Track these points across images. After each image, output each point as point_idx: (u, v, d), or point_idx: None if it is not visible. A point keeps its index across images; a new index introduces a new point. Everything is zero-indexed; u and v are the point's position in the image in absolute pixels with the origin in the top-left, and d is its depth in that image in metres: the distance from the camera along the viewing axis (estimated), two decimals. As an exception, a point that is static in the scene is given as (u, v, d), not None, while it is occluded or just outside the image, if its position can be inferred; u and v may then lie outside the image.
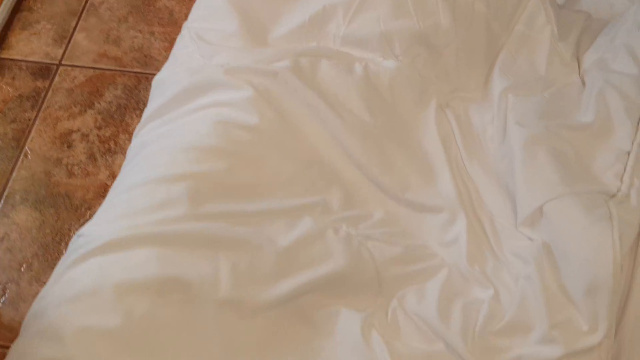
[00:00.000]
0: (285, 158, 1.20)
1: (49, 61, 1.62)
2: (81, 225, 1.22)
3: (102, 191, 1.42)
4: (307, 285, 1.08)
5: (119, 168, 1.32)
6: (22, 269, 1.33)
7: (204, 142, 1.17)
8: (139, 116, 1.54)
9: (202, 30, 1.37)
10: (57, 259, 1.33)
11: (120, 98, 1.56)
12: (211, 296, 1.03)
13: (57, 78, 1.58)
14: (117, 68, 1.60)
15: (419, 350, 1.06)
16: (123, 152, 1.45)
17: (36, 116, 1.52)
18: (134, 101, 1.55)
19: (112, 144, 1.49)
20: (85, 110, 1.53)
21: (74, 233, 1.24)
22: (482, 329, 1.07)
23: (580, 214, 1.12)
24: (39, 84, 1.57)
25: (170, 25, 1.68)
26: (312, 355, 1.06)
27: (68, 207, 1.40)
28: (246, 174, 1.17)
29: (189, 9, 1.46)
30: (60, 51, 1.63)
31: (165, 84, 1.31)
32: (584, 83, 1.38)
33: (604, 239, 1.08)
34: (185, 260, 1.05)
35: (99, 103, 1.54)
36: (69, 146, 1.48)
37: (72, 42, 1.65)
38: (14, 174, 1.44)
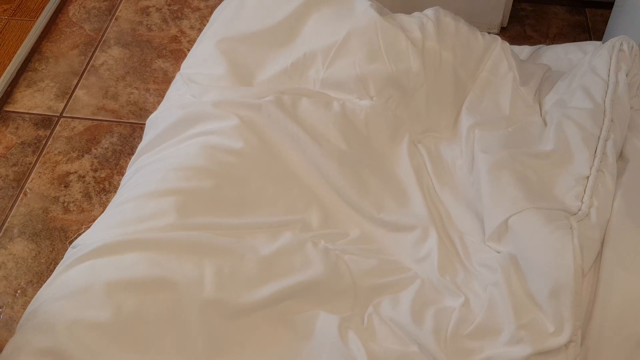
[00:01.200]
0: (268, 180, 1.29)
1: (50, 113, 1.74)
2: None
3: (96, 225, 1.50)
4: (287, 291, 1.14)
5: (113, 204, 1.41)
6: (17, 295, 1.39)
7: (192, 163, 1.26)
8: (133, 160, 1.63)
9: (194, 74, 1.49)
10: (51, 288, 1.38)
11: (115, 144, 1.67)
12: (196, 296, 1.09)
13: (57, 128, 1.70)
14: (114, 119, 1.72)
15: (394, 350, 1.11)
16: (117, 190, 1.54)
17: (36, 160, 1.62)
18: (128, 147, 1.66)
19: (106, 184, 1.59)
20: (82, 155, 1.64)
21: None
22: (453, 332, 1.12)
23: (541, 225, 1.19)
24: (41, 132, 1.69)
25: (164, 83, 1.81)
26: (291, 356, 1.10)
27: (63, 239, 1.48)
28: (231, 192, 1.25)
29: (181, 69, 1.59)
30: (62, 105, 1.76)
31: (157, 120, 1.42)
32: (545, 123, 1.49)
33: (564, 244, 1.14)
34: (172, 263, 1.11)
35: (96, 149, 1.65)
36: (66, 186, 1.57)
37: (73, 97, 1.78)
38: (13, 210, 1.53)
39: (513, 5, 2.11)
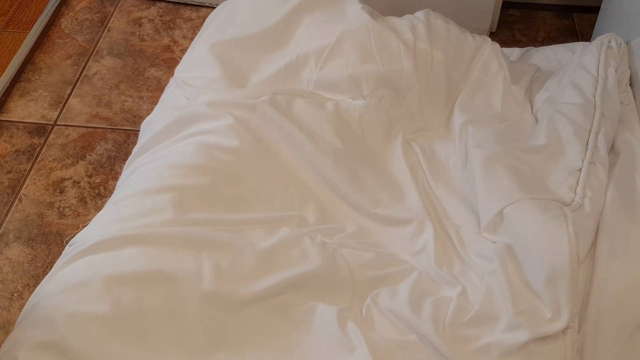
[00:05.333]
0: (264, 177, 1.30)
1: (44, 122, 1.75)
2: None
3: (92, 229, 1.50)
4: (285, 284, 1.14)
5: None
6: (13, 297, 1.39)
7: (188, 161, 1.27)
8: (128, 165, 1.64)
9: (187, 78, 1.50)
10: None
11: (110, 151, 1.67)
12: (195, 289, 1.09)
13: (51, 136, 1.70)
14: (108, 126, 1.73)
15: (393, 340, 1.11)
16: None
17: (31, 167, 1.63)
18: (123, 153, 1.67)
19: (101, 189, 1.59)
20: (77, 162, 1.65)
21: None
22: (451, 320, 1.12)
23: (537, 214, 1.20)
24: (35, 140, 1.69)
25: (158, 90, 1.83)
26: (291, 346, 1.11)
27: (59, 243, 1.48)
28: (227, 189, 1.26)
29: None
30: (56, 114, 1.77)
31: (152, 123, 1.43)
32: (536, 120, 1.50)
33: (559, 232, 1.16)
34: (170, 257, 1.12)
35: (91, 155, 1.66)
36: (61, 192, 1.58)
37: (66, 106, 1.79)
38: (9, 216, 1.53)
39: (501, 11, 2.14)
